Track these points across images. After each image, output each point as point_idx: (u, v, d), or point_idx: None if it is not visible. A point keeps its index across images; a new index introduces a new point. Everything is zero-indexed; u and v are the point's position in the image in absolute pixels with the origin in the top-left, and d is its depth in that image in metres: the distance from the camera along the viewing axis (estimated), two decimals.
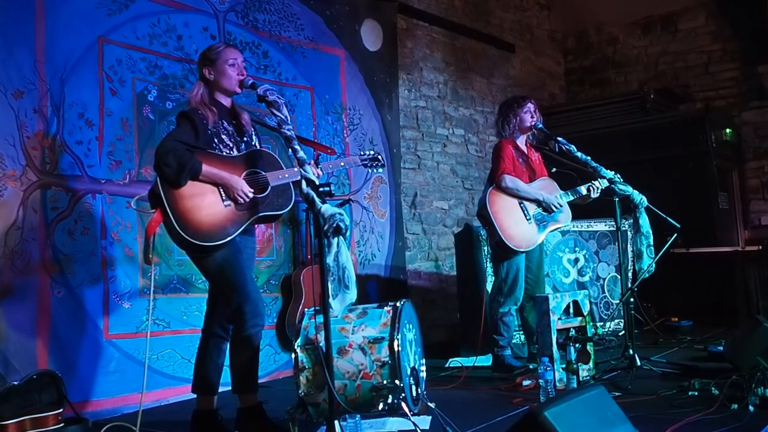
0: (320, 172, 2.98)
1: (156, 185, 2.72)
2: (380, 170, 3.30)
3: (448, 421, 2.66)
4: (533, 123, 3.99)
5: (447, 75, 6.24)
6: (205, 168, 2.73)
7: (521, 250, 3.83)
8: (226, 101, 2.94)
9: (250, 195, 2.80)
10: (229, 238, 2.76)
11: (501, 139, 4.05)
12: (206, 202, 2.75)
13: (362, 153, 3.29)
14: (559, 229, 4.14)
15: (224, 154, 2.85)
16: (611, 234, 5.14)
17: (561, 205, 3.94)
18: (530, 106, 4.01)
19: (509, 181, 3.87)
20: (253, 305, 2.81)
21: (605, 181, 3.90)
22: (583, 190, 3.94)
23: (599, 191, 3.93)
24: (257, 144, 3.05)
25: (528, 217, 3.89)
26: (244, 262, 2.88)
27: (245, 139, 2.97)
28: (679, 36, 7.05)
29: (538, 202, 3.92)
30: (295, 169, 2.79)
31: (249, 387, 2.89)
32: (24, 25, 3.37)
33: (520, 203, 3.91)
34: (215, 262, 2.80)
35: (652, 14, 7.19)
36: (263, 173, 2.88)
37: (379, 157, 3.28)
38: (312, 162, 2.98)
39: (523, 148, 4.08)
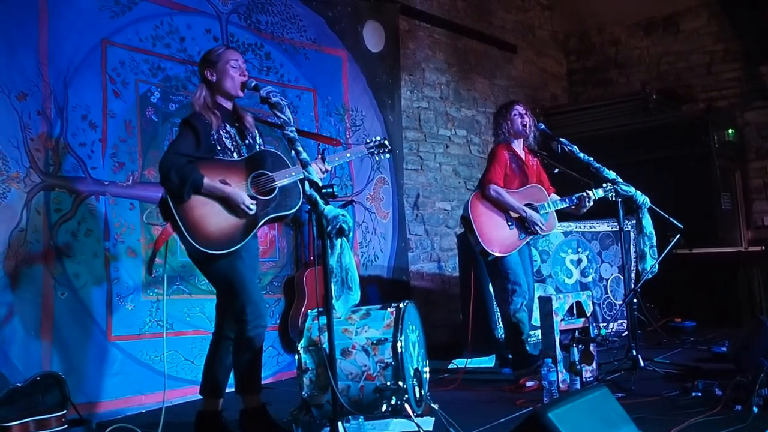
0: (328, 167, 2.97)
1: (165, 197, 2.73)
2: (388, 155, 3.25)
3: (451, 423, 2.66)
4: (525, 124, 3.98)
5: (449, 76, 6.24)
6: (206, 182, 2.73)
7: (498, 255, 3.83)
8: (227, 104, 2.94)
9: (252, 208, 2.80)
10: (239, 245, 2.77)
11: (497, 144, 4.06)
12: (216, 210, 2.76)
13: (368, 141, 3.24)
14: (544, 235, 4.11)
15: (227, 159, 2.85)
16: (614, 235, 5.13)
17: (542, 229, 3.91)
18: (518, 108, 4.03)
19: (493, 191, 3.86)
20: (255, 307, 2.82)
21: (600, 191, 3.89)
22: (575, 199, 3.93)
23: (592, 201, 3.91)
24: (261, 146, 3.04)
25: (510, 223, 3.89)
26: (247, 263, 2.89)
27: (247, 141, 2.96)
28: (681, 36, 7.04)
29: (520, 218, 3.90)
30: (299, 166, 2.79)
31: (252, 388, 2.90)
32: (27, 28, 3.37)
33: None
34: (218, 268, 2.81)
35: (654, 15, 7.18)
36: (269, 174, 2.88)
37: (386, 142, 3.23)
38: (319, 157, 2.97)
39: (520, 153, 4.07)
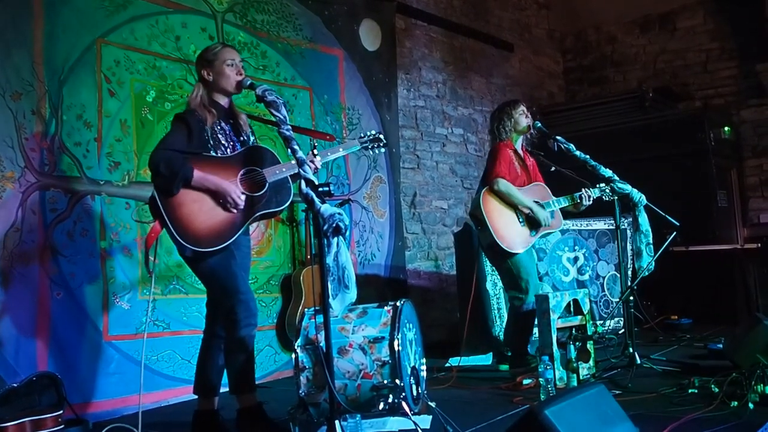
0: (318, 162, 2.94)
1: (154, 194, 2.72)
2: (383, 149, 3.16)
3: (448, 421, 2.66)
4: (528, 124, 4.00)
5: (446, 74, 6.24)
6: (197, 174, 2.72)
7: (513, 251, 3.83)
8: (224, 101, 2.94)
9: (242, 201, 2.78)
10: (228, 242, 2.76)
11: (499, 142, 4.05)
12: (205, 208, 2.75)
13: (362, 135, 3.15)
14: (550, 234, 4.13)
15: (217, 155, 2.84)
16: (610, 232, 5.14)
17: (547, 224, 3.92)
18: (523, 107, 4.04)
19: (502, 185, 3.86)
20: (245, 306, 2.82)
21: (596, 190, 3.91)
22: (576, 197, 3.94)
23: (591, 200, 3.94)
24: (254, 143, 3.03)
25: (521, 220, 3.89)
26: (238, 262, 2.87)
27: (242, 138, 2.97)
28: (677, 34, 7.06)
29: (528, 212, 3.90)
30: (292, 162, 2.77)
31: (247, 387, 2.89)
32: (22, 27, 3.36)
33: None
34: (208, 266, 2.80)
35: (650, 13, 7.20)
36: (260, 170, 2.86)
37: (380, 136, 3.14)
38: (310, 153, 2.95)
39: (520, 152, 4.08)
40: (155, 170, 2.68)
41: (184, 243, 2.69)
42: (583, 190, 3.93)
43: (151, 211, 2.78)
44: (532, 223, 3.91)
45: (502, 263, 3.93)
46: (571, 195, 3.96)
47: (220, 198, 2.76)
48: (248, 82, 2.83)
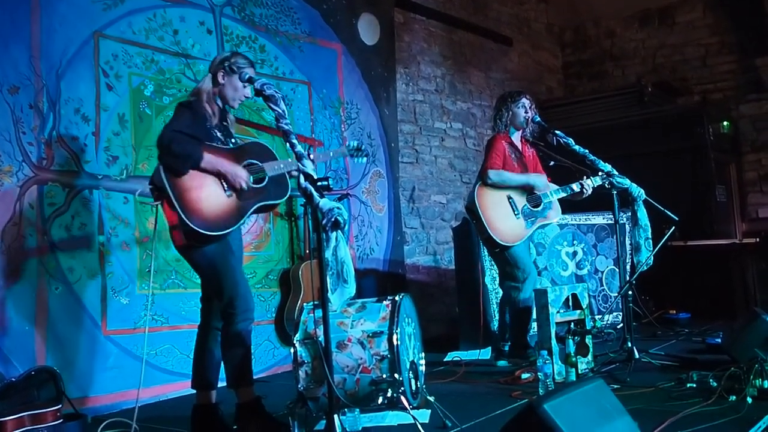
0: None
1: (159, 178, 2.71)
2: (363, 160, 3.38)
3: (447, 415, 2.67)
4: (527, 118, 3.99)
5: (444, 69, 6.23)
6: (207, 156, 2.77)
7: (508, 244, 3.84)
8: (220, 103, 2.99)
9: (248, 184, 2.85)
10: (233, 228, 2.80)
11: (495, 134, 4.06)
12: (208, 193, 2.77)
13: (348, 144, 3.38)
14: (547, 225, 4.13)
15: (219, 146, 2.89)
16: (609, 227, 5.15)
17: (550, 199, 3.92)
18: (524, 101, 4.02)
19: (494, 175, 3.87)
20: (243, 299, 2.83)
21: (597, 179, 3.91)
22: (575, 187, 3.94)
23: (591, 188, 3.94)
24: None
25: (516, 212, 3.89)
26: (237, 256, 2.91)
27: (233, 140, 3.03)
28: (676, 29, 7.05)
29: (527, 189, 3.90)
30: (290, 160, 2.90)
31: (245, 381, 2.89)
32: (19, 21, 3.35)
33: (508, 198, 3.91)
34: (205, 256, 2.81)
35: (649, 7, 7.18)
36: (259, 164, 2.93)
37: (363, 147, 3.37)
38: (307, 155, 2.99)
39: (518, 143, 4.08)
40: (166, 149, 2.69)
41: (192, 225, 2.68)
42: (584, 177, 3.93)
43: (153, 195, 2.77)
44: (529, 215, 3.90)
45: (499, 255, 3.95)
46: (569, 185, 3.96)
47: (228, 181, 2.80)
48: (247, 76, 2.82)
